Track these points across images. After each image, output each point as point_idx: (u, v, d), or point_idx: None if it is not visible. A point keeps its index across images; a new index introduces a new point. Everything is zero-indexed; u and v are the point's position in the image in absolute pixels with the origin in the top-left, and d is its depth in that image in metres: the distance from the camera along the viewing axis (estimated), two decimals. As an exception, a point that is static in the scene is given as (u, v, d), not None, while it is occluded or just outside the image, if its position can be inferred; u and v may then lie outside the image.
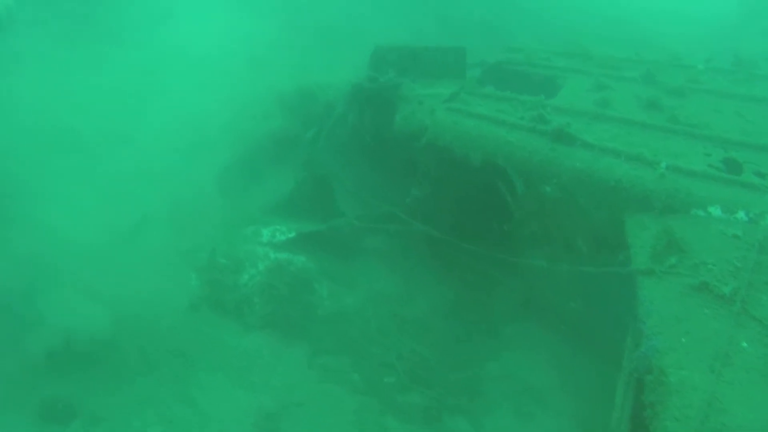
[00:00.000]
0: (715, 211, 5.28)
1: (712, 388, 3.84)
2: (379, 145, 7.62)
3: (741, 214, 5.18)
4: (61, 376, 5.87)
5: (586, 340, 6.38)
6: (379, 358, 6.33)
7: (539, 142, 6.11)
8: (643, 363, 4.34)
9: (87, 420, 5.59)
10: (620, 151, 5.76)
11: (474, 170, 6.45)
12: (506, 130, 6.32)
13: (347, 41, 9.09)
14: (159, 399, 5.75)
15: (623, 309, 5.43)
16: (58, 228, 6.41)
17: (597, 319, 6.29)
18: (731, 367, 4.01)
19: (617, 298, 5.54)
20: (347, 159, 7.90)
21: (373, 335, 6.54)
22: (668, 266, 4.87)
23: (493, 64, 7.98)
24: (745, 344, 4.23)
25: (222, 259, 6.73)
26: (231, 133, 7.62)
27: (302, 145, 8.03)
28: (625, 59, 7.85)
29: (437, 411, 5.85)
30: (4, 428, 5.59)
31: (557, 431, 5.84)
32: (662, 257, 4.94)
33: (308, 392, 5.92)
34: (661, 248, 4.98)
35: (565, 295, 6.52)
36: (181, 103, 7.61)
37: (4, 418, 5.59)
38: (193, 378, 5.96)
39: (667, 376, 4.08)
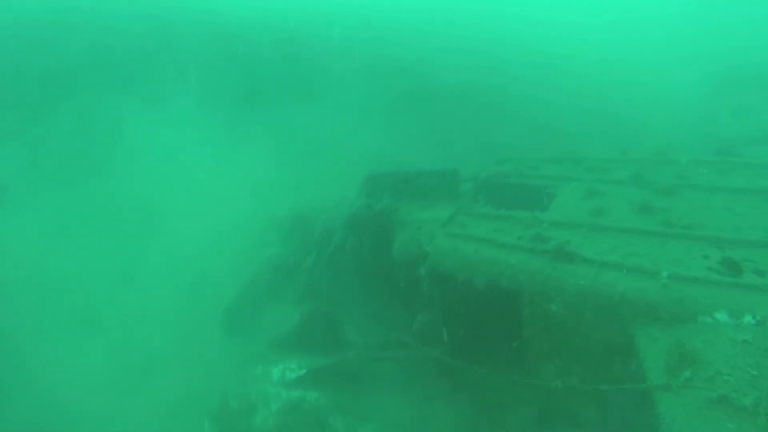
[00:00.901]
0: (722, 316, 5.47)
1: None
2: (379, 272, 7.87)
3: (748, 318, 5.36)
4: None
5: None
6: (404, 488, 6.39)
7: (540, 261, 6.34)
8: (674, 484, 4.44)
9: None
10: (621, 263, 6.00)
11: (478, 293, 6.70)
12: (507, 252, 6.56)
13: (339, 158, 9.52)
14: None
15: (636, 413, 5.62)
16: (62, 386, 6.52)
17: (614, 425, 6.41)
18: (763, 485, 4.13)
19: (629, 403, 5.73)
20: (348, 286, 8.12)
21: (393, 466, 6.59)
22: (684, 380, 5.06)
23: (485, 179, 8.35)
24: (773, 458, 4.37)
25: (234, 402, 6.82)
26: (230, 265, 7.86)
27: (301, 272, 8.27)
28: (612, 160, 8.24)
29: None
30: None
31: None
32: (676, 371, 5.13)
33: None
34: (674, 362, 5.17)
35: (580, 404, 6.69)
36: (180, 239, 7.89)
37: None
38: None
39: (700, 499, 4.20)
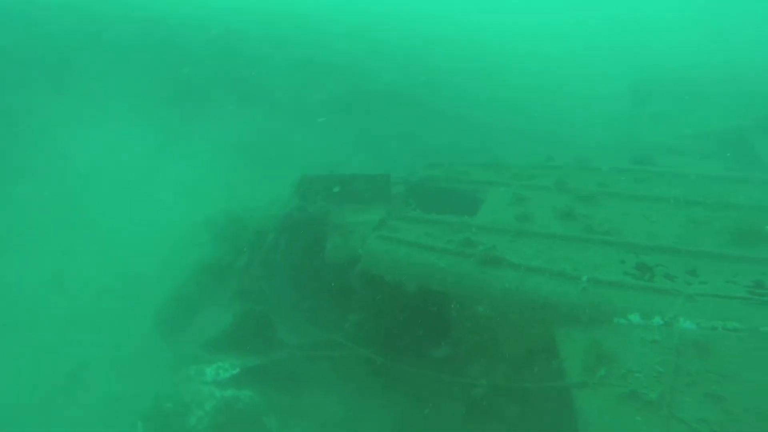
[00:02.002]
0: (635, 318, 6.04)
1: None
2: (311, 273, 8.14)
3: (657, 319, 5.95)
4: None
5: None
6: (338, 487, 6.70)
7: (469, 265, 6.81)
8: (589, 475, 4.94)
9: None
10: (544, 268, 6.54)
11: (409, 295, 7.07)
12: (437, 256, 7.01)
13: (271, 159, 9.69)
14: None
15: (557, 409, 6.14)
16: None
17: (537, 420, 6.93)
18: (665, 473, 4.66)
19: (551, 400, 6.25)
20: (281, 287, 8.35)
21: (328, 463, 6.90)
22: (599, 377, 5.60)
23: (416, 182, 8.77)
24: (675, 447, 4.92)
25: (167, 403, 6.95)
26: (161, 265, 7.95)
27: (234, 273, 8.44)
28: (538, 166, 8.82)
29: None
30: None
31: None
32: (593, 369, 5.66)
33: None
34: (591, 361, 5.70)
35: (505, 401, 7.18)
36: (110, 240, 7.91)
37: None
38: None
39: (612, 485, 4.71)
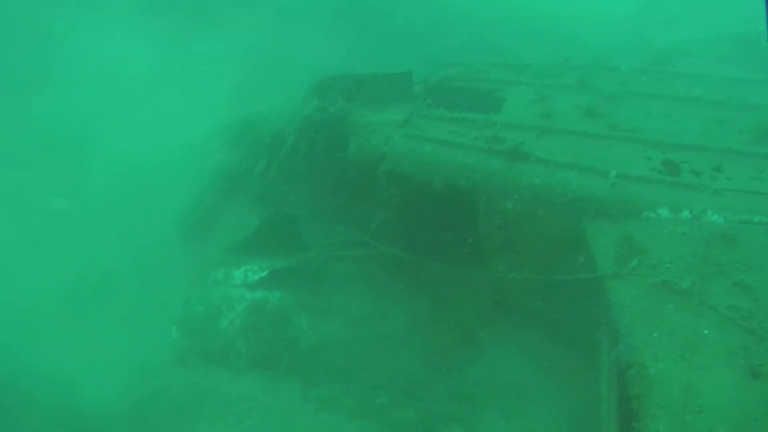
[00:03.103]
0: (664, 212, 6.24)
1: (686, 374, 4.74)
2: (334, 174, 8.20)
3: (686, 213, 6.15)
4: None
5: (553, 332, 7.33)
6: (368, 380, 7.00)
7: (496, 161, 6.92)
8: (623, 359, 5.22)
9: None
10: (572, 163, 6.68)
11: (436, 192, 7.20)
12: (464, 153, 7.11)
13: (279, 63, 9.52)
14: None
15: (582, 301, 6.42)
16: (14, 307, 6.58)
17: (560, 312, 7.23)
18: (699, 354, 4.94)
19: (576, 292, 6.51)
20: (302, 189, 8.41)
21: (358, 358, 7.20)
22: (631, 269, 5.82)
23: (435, 83, 8.72)
24: (706, 331, 5.18)
25: (199, 307, 7.13)
26: (179, 173, 7.93)
27: (252, 177, 8.46)
28: (558, 66, 8.80)
29: (431, 422, 6.60)
30: None
31: (543, 422, 6.74)
32: (625, 261, 5.88)
33: (307, 425, 6.54)
34: (623, 253, 5.91)
35: (530, 295, 7.47)
36: (122, 147, 7.84)
37: None
38: (194, 432, 6.45)
39: (646, 369, 4.96)
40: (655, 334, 5.12)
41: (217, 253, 7.82)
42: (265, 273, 7.46)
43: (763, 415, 4.53)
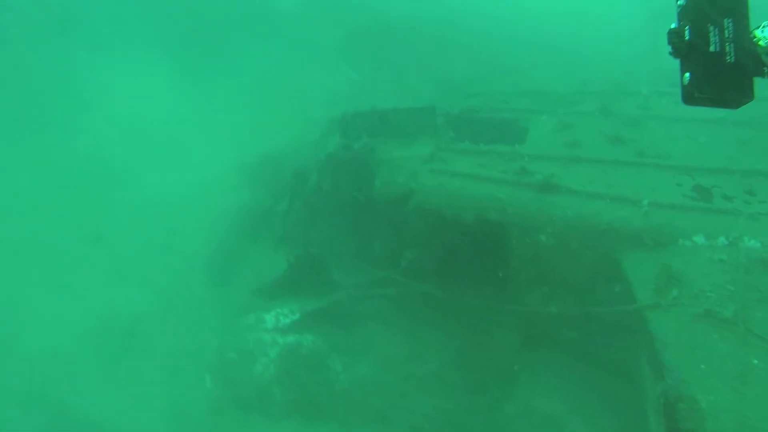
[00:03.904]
0: (699, 239, 6.29)
1: (739, 407, 4.77)
2: (360, 211, 8.24)
3: (722, 239, 6.21)
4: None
5: (588, 362, 7.35)
6: (405, 421, 6.98)
7: (527, 194, 6.98)
8: (672, 393, 5.25)
9: None
10: (604, 193, 6.75)
11: (467, 227, 7.24)
12: (493, 186, 7.16)
13: (293, 98, 9.58)
14: None
15: (617, 330, 6.44)
16: (46, 357, 6.57)
17: (595, 342, 7.26)
18: (750, 385, 4.97)
19: (611, 322, 6.54)
20: (327, 228, 8.45)
21: (394, 399, 7.17)
22: (672, 299, 5.87)
23: (457, 114, 8.81)
24: (756, 361, 5.22)
25: (232, 354, 7.13)
26: (199, 214, 7.95)
27: (276, 217, 8.50)
28: (577, 92, 8.90)
29: (474, 462, 6.61)
30: None
31: (584, 456, 6.74)
32: (664, 291, 5.92)
33: (349, 470, 6.54)
34: (663, 283, 5.95)
35: (564, 327, 7.49)
36: (143, 190, 7.86)
37: None
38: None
39: (697, 402, 5.00)
40: (703, 366, 5.14)
41: (245, 296, 7.85)
42: (297, 316, 7.48)
43: (820, 446, 4.58)
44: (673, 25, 2.09)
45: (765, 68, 1.97)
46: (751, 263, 5.94)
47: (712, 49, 1.99)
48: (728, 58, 1.97)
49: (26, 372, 6.57)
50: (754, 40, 1.97)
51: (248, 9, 11.11)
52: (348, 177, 8.12)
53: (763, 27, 1.98)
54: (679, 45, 2.08)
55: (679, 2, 2.07)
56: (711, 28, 1.98)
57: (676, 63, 2.13)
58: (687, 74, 2.08)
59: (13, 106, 9.03)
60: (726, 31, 1.97)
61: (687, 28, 2.03)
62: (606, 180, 7.04)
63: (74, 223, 7.78)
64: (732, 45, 1.97)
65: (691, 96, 2.09)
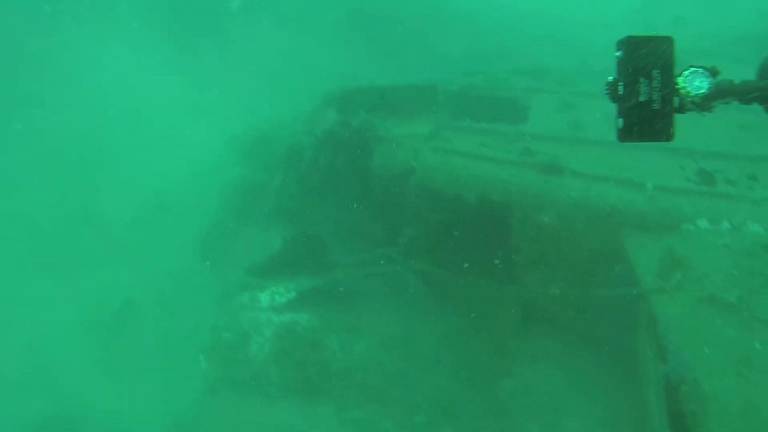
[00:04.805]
0: (703, 223, 6.43)
1: (743, 391, 4.92)
2: (357, 189, 8.25)
3: (725, 224, 6.36)
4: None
5: (585, 340, 7.51)
6: (404, 400, 7.07)
7: (531, 175, 7.05)
8: (675, 376, 5.39)
9: None
10: (608, 176, 6.84)
11: (469, 207, 7.30)
12: (496, 166, 7.22)
13: (285, 74, 9.49)
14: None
15: (617, 310, 6.58)
16: (37, 339, 6.53)
17: (594, 321, 7.40)
18: (753, 369, 5.12)
19: (611, 303, 6.68)
20: (322, 204, 8.45)
21: (392, 378, 7.27)
22: (676, 283, 6.01)
23: (456, 92, 8.83)
24: (758, 345, 5.38)
25: (226, 333, 7.14)
26: (191, 191, 7.89)
27: (270, 193, 8.46)
28: (577, 72, 8.96)
29: (472, 441, 6.74)
30: None
31: None
32: (668, 275, 6.04)
33: (348, 450, 6.61)
34: (666, 267, 6.08)
35: (563, 306, 7.63)
36: (132, 167, 7.77)
37: None
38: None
39: (701, 385, 5.15)
40: (706, 350, 5.27)
41: (240, 275, 7.84)
42: (292, 295, 7.51)
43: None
44: (609, 78, 2.43)
45: (686, 109, 2.36)
46: (754, 248, 6.09)
47: (641, 99, 2.36)
48: (654, 105, 2.35)
49: (15, 359, 6.52)
50: (677, 87, 2.35)
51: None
52: (346, 153, 8.15)
53: (684, 75, 2.35)
54: (613, 96, 2.44)
55: (616, 54, 2.41)
56: (642, 80, 2.35)
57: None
58: (620, 120, 2.44)
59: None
60: (654, 81, 2.35)
61: (620, 84, 2.39)
62: (610, 163, 7.12)
63: (62, 202, 7.66)
64: (659, 94, 2.35)
65: (623, 138, 2.45)
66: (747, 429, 4.72)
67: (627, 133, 2.45)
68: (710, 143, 7.50)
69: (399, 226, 7.87)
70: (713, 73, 2.44)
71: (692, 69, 2.40)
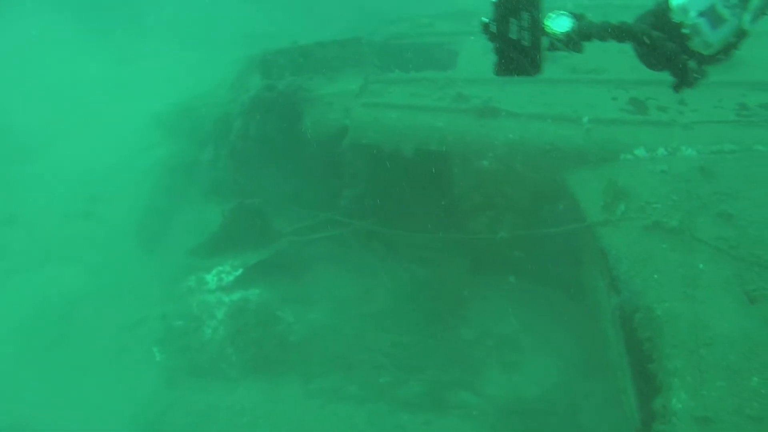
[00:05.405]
0: (640, 152, 6.60)
1: (691, 310, 5.15)
2: (291, 154, 8.15)
3: (661, 150, 6.56)
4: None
5: (537, 280, 7.71)
6: (366, 362, 7.15)
7: (466, 120, 7.10)
8: (629, 305, 5.62)
9: None
10: (544, 114, 6.94)
11: (407, 160, 7.32)
12: (431, 115, 7.23)
13: (200, 40, 9.19)
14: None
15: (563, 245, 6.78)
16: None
17: (541, 260, 7.61)
18: (699, 289, 5.37)
19: (558, 240, 6.87)
20: (257, 174, 8.33)
21: (351, 342, 7.33)
22: (620, 214, 6.20)
23: (381, 42, 8.72)
24: (701, 266, 5.62)
25: (177, 321, 7.04)
26: (119, 175, 7.65)
27: (203, 169, 8.28)
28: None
29: (439, 392, 6.85)
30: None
31: (542, 370, 7.14)
32: (612, 207, 6.23)
33: (317, 420, 6.63)
34: (610, 199, 6.26)
35: (510, 248, 7.79)
36: (52, 157, 7.47)
37: None
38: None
39: (653, 311, 5.37)
40: (656, 276, 5.47)
41: (182, 258, 7.70)
42: (239, 272, 7.44)
43: (766, 338, 5.04)
44: (484, 19, 2.77)
45: (551, 47, 2.76)
46: (690, 172, 6.33)
47: (512, 36, 2.74)
48: (524, 42, 2.74)
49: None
50: (544, 27, 2.72)
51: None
52: (275, 119, 8.02)
53: (550, 17, 2.73)
54: (488, 35, 2.79)
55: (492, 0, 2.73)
56: (512, 20, 2.71)
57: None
58: (495, 56, 2.83)
59: None
60: (523, 22, 2.71)
61: (493, 23, 2.74)
62: (543, 100, 7.23)
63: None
64: (528, 33, 2.72)
65: (498, 72, 2.91)
66: (700, 346, 4.99)
67: (501, 68, 2.87)
68: (638, 71, 7.66)
69: (339, 187, 7.87)
70: (578, 17, 2.79)
71: (558, 12, 2.77)
